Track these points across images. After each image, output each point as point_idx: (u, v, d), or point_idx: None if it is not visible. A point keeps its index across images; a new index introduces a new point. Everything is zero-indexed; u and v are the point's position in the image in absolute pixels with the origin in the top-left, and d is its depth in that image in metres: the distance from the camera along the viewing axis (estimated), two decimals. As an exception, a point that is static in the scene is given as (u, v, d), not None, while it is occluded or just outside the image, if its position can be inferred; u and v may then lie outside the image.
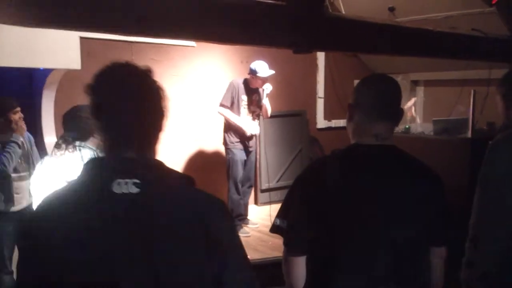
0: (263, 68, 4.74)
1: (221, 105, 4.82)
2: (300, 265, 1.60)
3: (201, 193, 1.17)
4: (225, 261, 1.12)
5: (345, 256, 1.54)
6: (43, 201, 1.15)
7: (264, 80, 4.77)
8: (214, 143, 5.58)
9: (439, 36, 3.49)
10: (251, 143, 5.01)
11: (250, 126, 4.85)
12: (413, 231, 1.55)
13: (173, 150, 5.16)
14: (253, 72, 4.77)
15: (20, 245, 1.17)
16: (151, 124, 1.16)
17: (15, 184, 3.60)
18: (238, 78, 4.96)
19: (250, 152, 5.04)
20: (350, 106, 1.65)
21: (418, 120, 5.91)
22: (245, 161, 5.00)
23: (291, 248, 1.62)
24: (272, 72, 4.79)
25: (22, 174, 3.63)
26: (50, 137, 4.34)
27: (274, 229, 1.66)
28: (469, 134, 4.38)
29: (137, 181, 1.07)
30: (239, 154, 4.90)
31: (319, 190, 1.56)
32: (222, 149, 5.22)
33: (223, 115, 4.85)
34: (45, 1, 1.95)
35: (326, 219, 1.54)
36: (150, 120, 1.15)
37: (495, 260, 1.87)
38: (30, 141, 3.80)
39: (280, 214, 1.65)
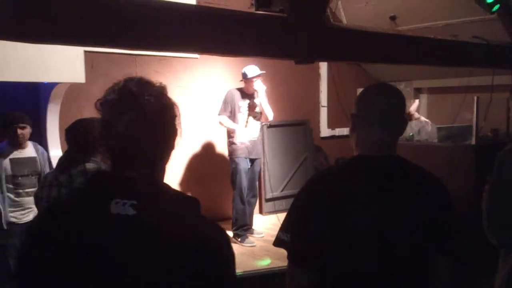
0: (252, 70, 4.79)
1: (219, 114, 4.89)
2: (304, 278, 1.58)
3: (200, 219, 1.11)
4: None
5: (348, 270, 1.53)
6: (44, 211, 1.15)
7: (256, 81, 4.81)
8: (217, 153, 5.60)
9: (440, 44, 3.50)
10: (255, 152, 5.02)
11: (242, 133, 4.86)
12: (418, 242, 1.53)
13: (177, 161, 5.18)
14: (244, 77, 4.84)
15: (19, 254, 1.16)
16: (160, 143, 1.12)
17: (23, 199, 3.64)
18: (232, 88, 5.01)
19: (254, 161, 5.05)
20: (352, 116, 1.64)
21: (422, 119, 5.87)
22: (249, 171, 5.01)
23: (294, 261, 1.60)
24: (262, 72, 4.82)
25: (30, 189, 3.66)
26: (55, 151, 4.36)
27: (278, 242, 1.62)
28: (473, 141, 4.37)
29: (135, 202, 1.03)
30: (243, 163, 4.91)
31: (322, 203, 1.55)
32: (225, 159, 5.23)
33: (221, 124, 4.90)
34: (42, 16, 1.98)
35: (330, 231, 1.52)
36: (160, 139, 1.12)
37: None
38: (43, 158, 3.83)
39: (283, 227, 1.62)
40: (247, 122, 4.93)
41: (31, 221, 1.22)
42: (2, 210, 3.51)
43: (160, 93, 1.13)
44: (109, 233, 1.03)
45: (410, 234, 1.52)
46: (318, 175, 1.70)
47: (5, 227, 3.55)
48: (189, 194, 1.20)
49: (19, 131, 3.61)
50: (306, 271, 1.57)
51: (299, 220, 1.60)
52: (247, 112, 4.91)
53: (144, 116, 1.08)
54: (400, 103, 1.62)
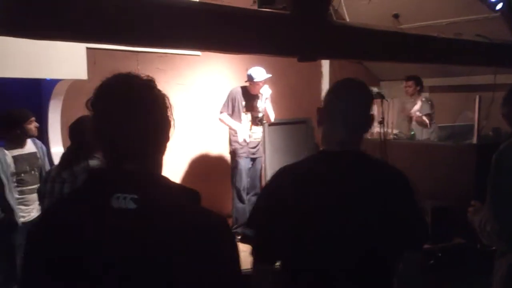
0: (259, 73, 4.76)
1: (221, 112, 4.87)
2: (267, 275, 1.58)
3: (202, 211, 1.12)
4: (218, 285, 1.07)
5: (308, 263, 1.53)
6: (47, 209, 1.16)
7: (262, 85, 4.79)
8: (218, 151, 5.59)
9: (443, 43, 3.49)
10: (256, 151, 5.01)
11: (243, 132, 4.85)
12: (380, 235, 1.52)
13: (178, 159, 5.18)
14: (250, 78, 4.80)
15: (24, 251, 1.17)
16: (153, 134, 1.13)
17: (26, 196, 3.64)
18: (237, 86, 4.99)
19: (255, 159, 5.04)
20: (318, 111, 1.64)
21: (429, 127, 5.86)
22: (250, 169, 5.00)
23: (257, 256, 1.60)
24: (269, 75, 4.81)
25: (32, 186, 3.67)
26: (57, 147, 4.37)
27: (243, 238, 1.64)
28: (474, 140, 4.36)
29: (136, 196, 1.04)
30: (244, 162, 4.91)
31: (281, 198, 1.55)
32: (227, 157, 5.23)
33: (222, 121, 4.88)
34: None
35: (288, 226, 1.52)
36: (153, 130, 1.13)
37: None
38: (43, 152, 3.85)
39: (248, 223, 1.65)
40: (250, 122, 4.92)
41: (33, 223, 1.22)
42: (14, 207, 3.52)
43: (149, 85, 1.14)
44: (112, 227, 1.04)
45: (371, 227, 1.51)
46: (279, 171, 1.67)
47: (19, 223, 3.56)
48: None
49: (33, 124, 3.67)
50: (269, 266, 1.58)
51: (261, 215, 1.61)
52: (250, 112, 4.91)
53: (137, 108, 1.10)
54: (364, 100, 1.62)
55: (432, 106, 5.77)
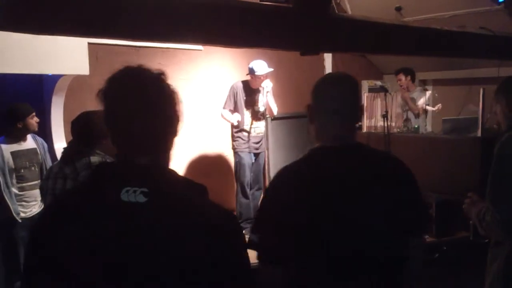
0: (261, 66, 4.73)
1: (223, 108, 4.87)
2: (275, 276, 1.57)
3: (211, 205, 1.13)
4: (227, 278, 1.07)
5: (318, 262, 1.52)
6: (51, 204, 1.15)
7: (264, 78, 4.77)
8: (222, 146, 5.59)
9: (446, 35, 3.47)
10: (259, 145, 5.00)
11: (234, 117, 4.80)
12: (387, 226, 1.52)
13: (181, 154, 5.17)
14: (251, 72, 4.78)
15: (26, 252, 1.17)
16: (164, 129, 1.13)
17: (26, 193, 3.65)
18: (238, 81, 4.97)
19: (258, 154, 5.03)
20: (308, 108, 1.63)
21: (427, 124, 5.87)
22: (254, 164, 4.99)
23: (265, 259, 1.58)
24: (270, 69, 4.79)
25: (33, 182, 3.68)
26: (59, 143, 4.37)
27: (249, 244, 1.62)
28: (479, 133, 4.34)
29: (146, 190, 1.04)
30: (246, 157, 4.90)
31: (287, 199, 1.54)
32: (230, 152, 5.22)
33: (223, 117, 4.88)
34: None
35: (292, 227, 1.51)
36: (163, 125, 1.13)
37: None
38: (44, 148, 3.85)
39: (252, 229, 1.63)
40: (251, 118, 4.90)
41: (37, 218, 1.20)
42: (10, 204, 3.52)
43: (161, 79, 1.14)
44: (122, 221, 1.04)
45: (375, 219, 1.51)
46: (279, 172, 1.66)
47: (18, 220, 3.56)
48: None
49: (35, 119, 3.69)
50: (278, 267, 1.56)
51: (266, 219, 1.60)
52: (252, 107, 4.89)
53: (151, 102, 1.10)
54: (352, 91, 1.62)
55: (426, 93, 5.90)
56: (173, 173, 1.13)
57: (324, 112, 1.60)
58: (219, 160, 5.65)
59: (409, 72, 5.87)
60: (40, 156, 3.77)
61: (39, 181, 3.65)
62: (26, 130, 3.67)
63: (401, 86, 5.86)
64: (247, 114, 4.89)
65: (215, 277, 1.04)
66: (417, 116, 5.80)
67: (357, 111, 1.64)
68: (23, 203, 3.66)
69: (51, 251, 1.06)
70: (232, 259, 1.08)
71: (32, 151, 3.75)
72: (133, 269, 1.02)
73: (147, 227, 1.03)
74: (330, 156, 1.57)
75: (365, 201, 1.51)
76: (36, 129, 3.74)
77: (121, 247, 1.02)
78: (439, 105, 5.87)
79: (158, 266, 1.02)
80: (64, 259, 1.04)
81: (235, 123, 4.82)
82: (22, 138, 3.69)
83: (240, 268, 1.11)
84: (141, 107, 1.09)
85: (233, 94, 4.83)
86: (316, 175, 1.55)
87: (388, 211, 1.53)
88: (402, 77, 5.86)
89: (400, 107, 5.72)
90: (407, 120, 5.64)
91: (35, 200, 3.68)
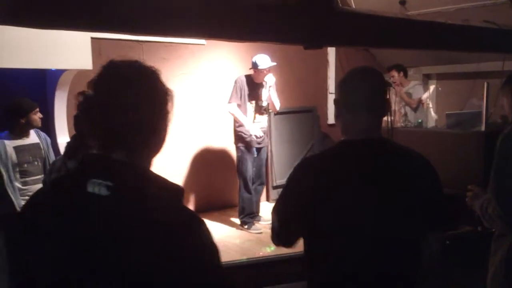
0: (264, 60, 4.72)
1: (229, 102, 4.84)
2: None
3: (177, 206, 1.09)
4: (187, 280, 1.02)
5: (338, 255, 1.54)
6: (31, 198, 1.18)
7: (267, 72, 4.76)
8: (224, 140, 5.58)
9: (451, 29, 3.44)
10: (262, 140, 5.00)
11: (254, 128, 4.83)
12: (410, 221, 1.54)
13: (182, 148, 5.17)
14: (254, 66, 4.77)
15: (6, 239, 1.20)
16: (147, 126, 1.10)
17: (30, 187, 3.66)
18: (241, 75, 4.95)
19: (260, 149, 5.03)
20: (336, 102, 1.65)
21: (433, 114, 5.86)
22: (256, 159, 5.00)
23: (278, 242, 1.70)
24: (273, 63, 4.77)
25: (36, 177, 3.69)
26: (62, 137, 4.38)
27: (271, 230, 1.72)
28: (482, 128, 4.32)
29: (110, 184, 1.02)
30: (249, 152, 4.90)
31: (307, 190, 1.56)
32: (232, 146, 5.22)
33: (232, 114, 4.86)
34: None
35: (314, 217, 1.54)
36: (147, 122, 1.09)
37: None
38: (47, 143, 3.86)
39: (273, 216, 1.68)
40: (254, 113, 4.90)
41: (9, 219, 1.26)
42: (14, 199, 3.53)
43: (153, 76, 1.12)
44: (82, 211, 1.04)
45: (400, 214, 1.53)
46: (302, 162, 1.69)
47: None
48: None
49: (38, 115, 3.69)
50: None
51: (286, 207, 1.63)
52: (255, 101, 4.89)
53: (133, 96, 1.07)
54: (379, 86, 1.62)
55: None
56: (147, 171, 1.11)
57: (348, 107, 1.60)
58: (221, 154, 5.65)
59: (402, 68, 5.93)
60: (43, 151, 3.78)
61: (42, 175, 3.65)
62: (29, 126, 3.68)
63: (394, 82, 5.87)
64: (250, 109, 4.88)
65: (173, 277, 1.01)
66: (414, 110, 5.82)
67: (384, 106, 1.64)
68: (27, 197, 3.66)
69: (25, 250, 1.10)
70: (190, 261, 1.02)
71: (35, 145, 3.75)
72: (88, 261, 1.01)
73: (103, 220, 1.02)
74: (355, 150, 1.58)
75: (387, 196, 1.52)
76: (40, 125, 3.74)
77: (80, 237, 1.02)
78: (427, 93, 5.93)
79: (107, 264, 1.00)
80: (35, 255, 1.07)
81: (252, 134, 4.80)
82: (25, 133, 3.69)
83: (199, 270, 1.04)
84: (125, 102, 1.06)
85: (240, 88, 4.81)
86: (340, 168, 1.56)
87: (410, 207, 1.54)
88: (395, 73, 5.91)
89: (396, 104, 5.74)
90: (405, 115, 5.66)
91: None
